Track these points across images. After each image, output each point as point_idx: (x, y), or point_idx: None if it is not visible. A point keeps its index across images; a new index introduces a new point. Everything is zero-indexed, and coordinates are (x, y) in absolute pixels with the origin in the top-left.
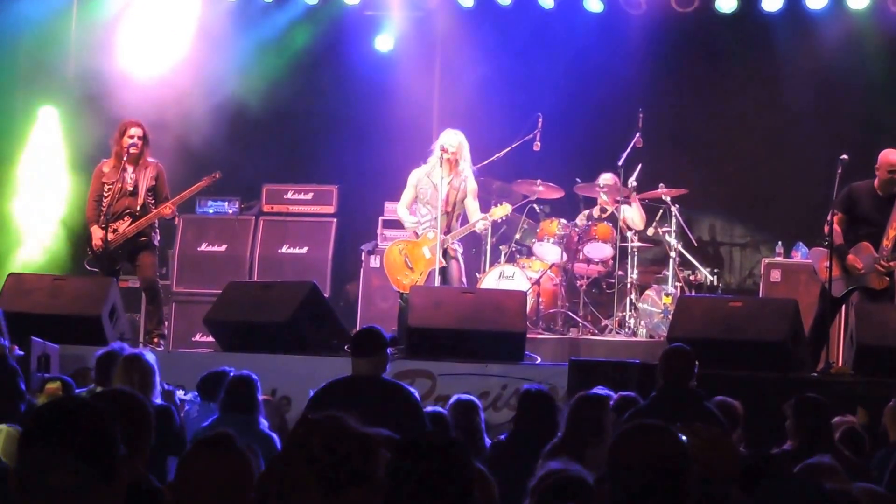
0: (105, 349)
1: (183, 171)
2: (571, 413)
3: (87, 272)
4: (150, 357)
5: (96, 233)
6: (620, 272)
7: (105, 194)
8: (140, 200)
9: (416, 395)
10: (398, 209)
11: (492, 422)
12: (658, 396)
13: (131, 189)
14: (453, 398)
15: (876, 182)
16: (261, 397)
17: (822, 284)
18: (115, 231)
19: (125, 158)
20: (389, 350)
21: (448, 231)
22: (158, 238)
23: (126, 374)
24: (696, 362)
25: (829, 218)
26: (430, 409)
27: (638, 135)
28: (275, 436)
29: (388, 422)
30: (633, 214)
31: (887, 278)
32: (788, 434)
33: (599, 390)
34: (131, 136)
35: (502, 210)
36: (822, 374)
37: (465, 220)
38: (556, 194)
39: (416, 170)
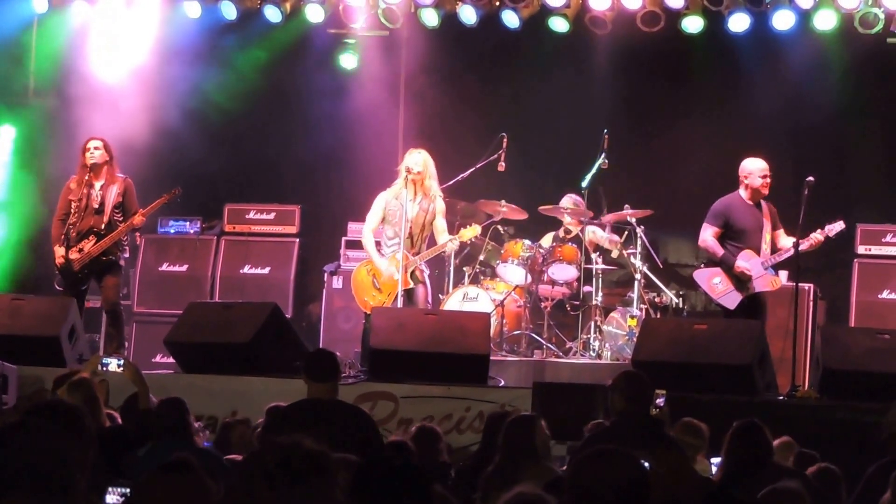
0: (65, 371)
1: (143, 191)
2: (503, 437)
3: (48, 292)
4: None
5: (58, 252)
6: (587, 289)
7: (72, 212)
8: (106, 218)
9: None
10: (364, 233)
11: (455, 444)
12: (616, 422)
13: (97, 206)
14: (414, 427)
15: (744, 192)
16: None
17: (717, 303)
18: (80, 250)
19: (89, 173)
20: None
21: (416, 253)
22: (126, 256)
23: (69, 397)
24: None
25: (703, 234)
26: (392, 439)
27: (603, 156)
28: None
29: (347, 445)
30: (603, 238)
31: (779, 278)
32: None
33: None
34: (88, 149)
35: (472, 231)
36: (787, 397)
37: (432, 241)
38: (521, 216)
39: (384, 192)
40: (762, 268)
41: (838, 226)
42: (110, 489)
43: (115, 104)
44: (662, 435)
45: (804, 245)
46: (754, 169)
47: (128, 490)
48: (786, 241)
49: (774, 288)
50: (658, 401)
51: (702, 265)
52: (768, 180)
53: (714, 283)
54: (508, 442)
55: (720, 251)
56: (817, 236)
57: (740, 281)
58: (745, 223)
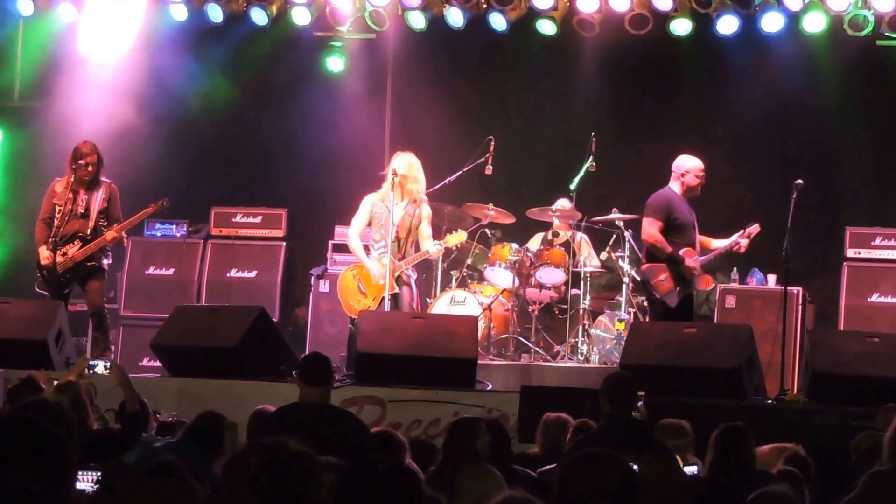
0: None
1: (129, 195)
2: (446, 438)
3: (35, 295)
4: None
5: (42, 253)
6: (574, 292)
7: (56, 215)
8: (91, 224)
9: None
10: (349, 234)
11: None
12: (604, 426)
13: (82, 211)
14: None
15: (679, 188)
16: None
17: (657, 300)
18: (64, 254)
19: (78, 181)
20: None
21: (402, 257)
22: (109, 262)
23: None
24: (636, 389)
25: (648, 229)
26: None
27: (591, 159)
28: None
29: (337, 449)
30: (586, 254)
31: (710, 278)
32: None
33: None
34: (85, 163)
35: (458, 237)
36: (776, 401)
37: (418, 246)
38: (508, 219)
39: (371, 195)
40: (701, 267)
41: (755, 228)
42: (81, 474)
43: (101, 107)
44: (649, 438)
45: (727, 245)
46: (692, 167)
47: (98, 474)
48: (714, 243)
49: (709, 287)
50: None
51: (644, 260)
52: (703, 181)
53: (661, 279)
54: (451, 443)
55: (669, 247)
56: (740, 240)
57: (683, 279)
58: (684, 219)
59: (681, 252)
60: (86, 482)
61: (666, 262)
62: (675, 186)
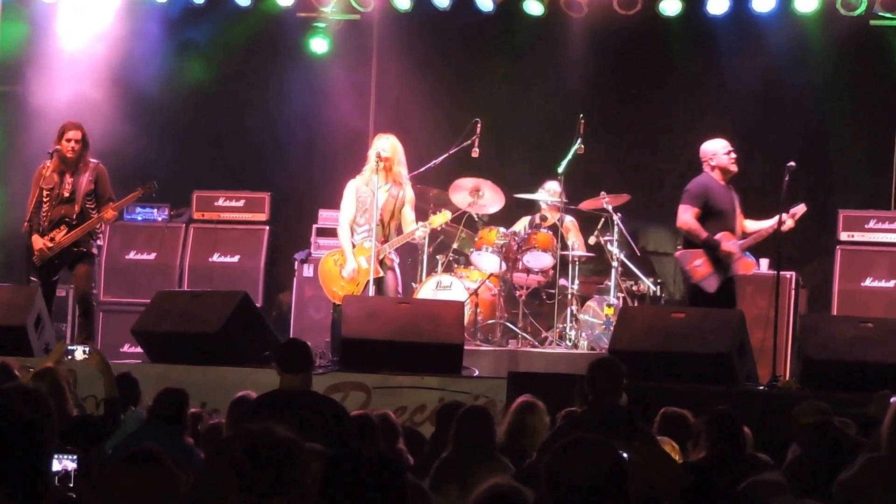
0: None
1: (111, 179)
2: (457, 428)
3: (13, 280)
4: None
5: (36, 242)
6: (562, 282)
7: (44, 200)
8: (77, 207)
9: (347, 410)
10: (340, 225)
11: (427, 435)
12: (585, 413)
13: (68, 195)
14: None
15: (714, 173)
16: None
17: (693, 287)
18: (52, 240)
19: (63, 162)
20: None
21: (385, 241)
22: (99, 244)
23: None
24: (623, 375)
25: (683, 216)
26: (355, 413)
27: (579, 141)
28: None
29: (320, 437)
30: (574, 241)
31: (754, 262)
32: (700, 445)
33: None
34: (69, 140)
35: (442, 217)
36: (768, 387)
37: (402, 230)
38: (496, 203)
39: (353, 180)
40: (740, 251)
41: (800, 208)
42: (58, 457)
43: (80, 89)
44: (633, 425)
45: (769, 227)
46: (717, 148)
47: (75, 457)
48: (753, 225)
49: (749, 272)
50: None
51: (679, 247)
52: (734, 156)
53: (696, 264)
54: (464, 434)
55: (704, 232)
56: (789, 220)
57: (721, 263)
58: (723, 204)
59: (716, 236)
60: (64, 465)
61: (702, 247)
62: (711, 173)
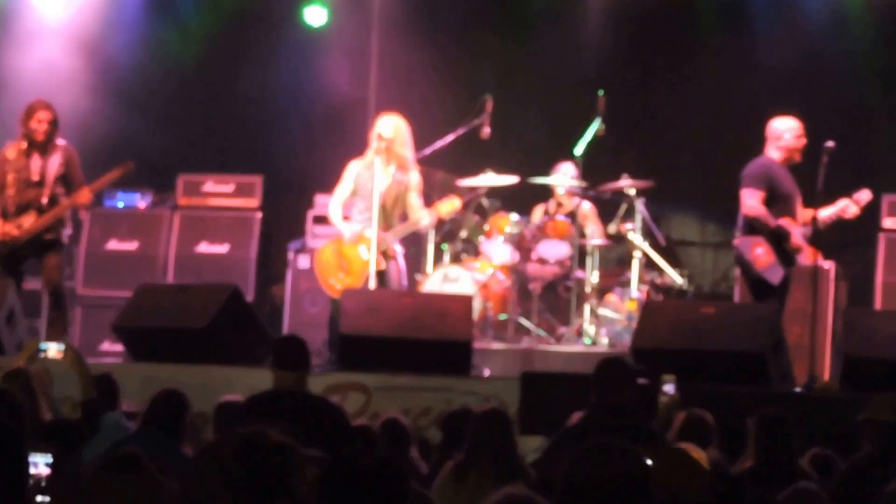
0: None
1: (88, 162)
2: (474, 432)
3: None
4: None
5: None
6: (579, 273)
7: (9, 184)
8: (47, 191)
9: (345, 412)
10: (330, 205)
11: (433, 441)
12: (586, 416)
13: (37, 179)
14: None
15: (776, 154)
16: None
17: (756, 278)
18: (19, 227)
19: (31, 144)
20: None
21: (387, 229)
22: (69, 233)
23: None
24: (632, 375)
25: (749, 201)
26: (357, 423)
27: (599, 120)
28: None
29: (317, 440)
30: (593, 229)
31: (819, 252)
32: (749, 452)
33: None
34: (39, 121)
35: (450, 205)
36: (805, 388)
37: (405, 218)
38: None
39: (355, 161)
40: (804, 240)
41: (865, 194)
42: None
43: (50, 59)
44: (642, 429)
45: (831, 215)
46: (788, 128)
47: (49, 457)
48: (820, 213)
49: (812, 262)
50: (666, 387)
51: (738, 234)
52: (804, 141)
53: (758, 253)
54: (479, 437)
55: (773, 220)
56: (853, 206)
57: (786, 254)
58: (786, 188)
59: (780, 223)
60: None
61: (769, 236)
62: (773, 153)
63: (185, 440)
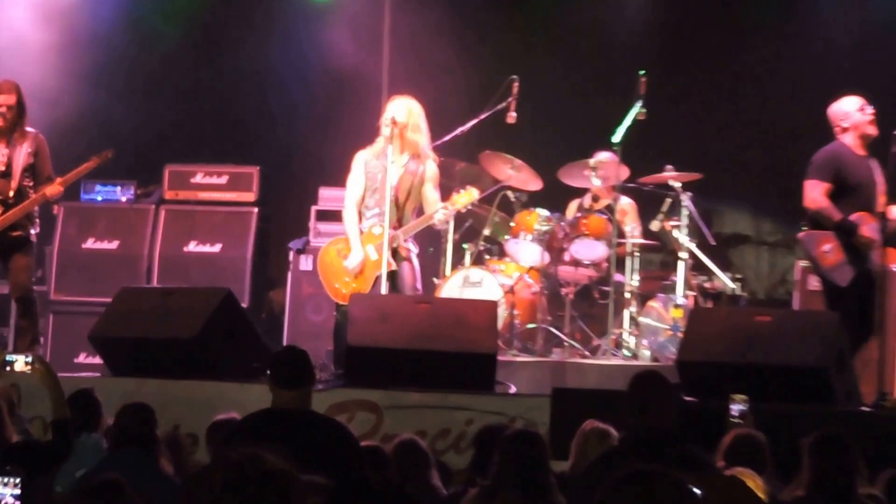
0: None
1: (60, 149)
2: (502, 455)
3: None
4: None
5: None
6: (618, 277)
7: None
8: (14, 183)
9: (353, 433)
10: (345, 206)
11: (454, 467)
12: (623, 437)
13: (3, 169)
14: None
15: (851, 139)
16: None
17: (823, 277)
18: None
19: None
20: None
21: (399, 225)
22: (37, 231)
23: None
24: (674, 391)
25: (811, 193)
26: (366, 444)
27: (640, 104)
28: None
29: (321, 464)
30: (633, 227)
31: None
32: (801, 477)
33: None
34: (1, 105)
35: (467, 196)
36: (874, 407)
37: (421, 213)
38: (535, 182)
39: (363, 151)
40: (880, 236)
41: None
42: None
43: (16, 32)
44: (686, 453)
45: None
46: (850, 107)
47: (18, 480)
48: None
49: (884, 261)
50: (734, 408)
51: (804, 228)
52: (871, 112)
53: (824, 250)
54: (514, 463)
55: (837, 213)
56: None
57: (857, 252)
58: (858, 177)
59: (851, 217)
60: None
61: (834, 230)
62: (845, 138)
63: (159, 455)
